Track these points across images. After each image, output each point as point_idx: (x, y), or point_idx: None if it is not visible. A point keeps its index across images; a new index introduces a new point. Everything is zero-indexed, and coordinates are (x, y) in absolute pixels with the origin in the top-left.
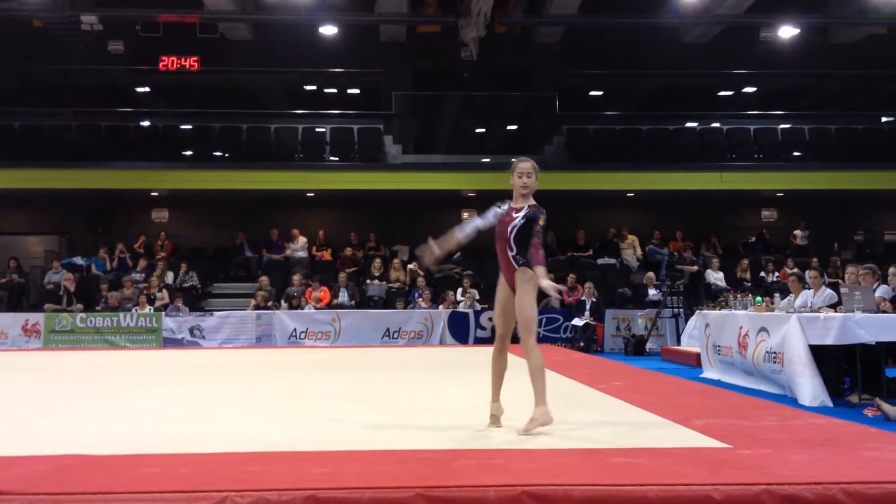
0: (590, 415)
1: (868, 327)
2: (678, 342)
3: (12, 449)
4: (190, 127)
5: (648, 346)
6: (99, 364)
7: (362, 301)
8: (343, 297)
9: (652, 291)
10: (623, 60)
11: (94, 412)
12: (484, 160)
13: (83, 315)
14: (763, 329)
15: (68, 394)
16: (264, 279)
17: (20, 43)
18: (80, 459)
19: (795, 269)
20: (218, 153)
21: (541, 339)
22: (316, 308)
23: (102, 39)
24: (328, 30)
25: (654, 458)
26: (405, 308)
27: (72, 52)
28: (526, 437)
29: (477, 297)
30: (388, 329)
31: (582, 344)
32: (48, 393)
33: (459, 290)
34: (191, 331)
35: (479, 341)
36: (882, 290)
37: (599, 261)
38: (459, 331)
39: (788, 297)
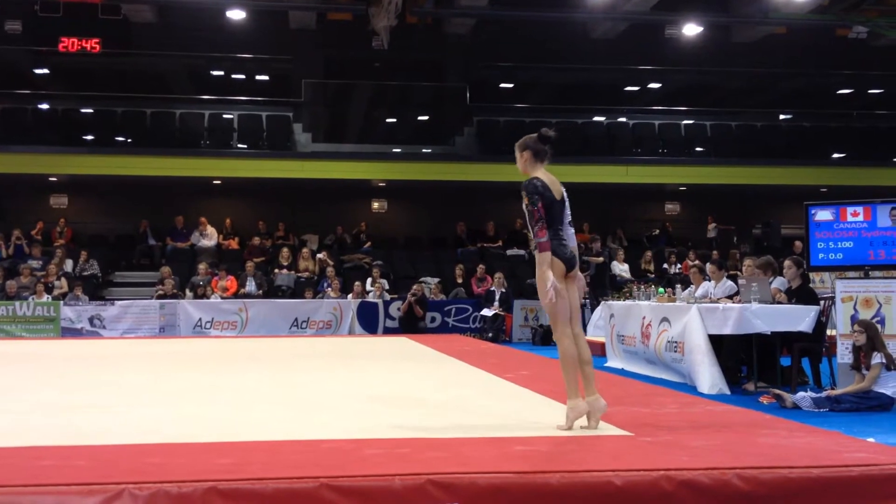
0: (496, 403)
1: (764, 318)
2: (584, 332)
3: None
4: (91, 111)
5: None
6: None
7: (270, 291)
8: (251, 286)
9: None
10: (533, 54)
11: None
12: (395, 150)
13: None
14: (665, 319)
15: None
16: (165, 269)
17: None
18: None
19: (697, 262)
20: (120, 138)
21: (450, 329)
22: (222, 297)
23: None
24: (235, 14)
25: (557, 446)
26: (314, 298)
27: None
28: (432, 427)
29: (386, 287)
30: (296, 319)
31: (490, 334)
32: None
33: (369, 280)
34: (91, 320)
35: (389, 331)
36: (778, 282)
37: (509, 252)
38: (369, 321)
39: (689, 288)
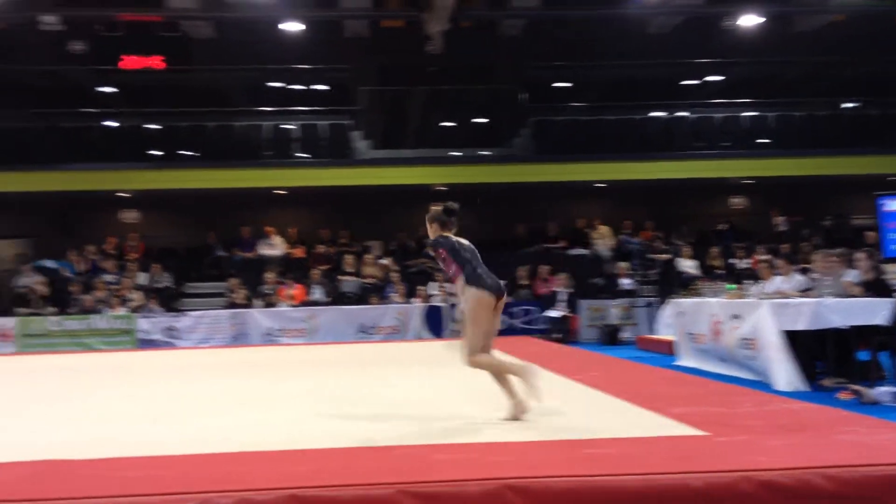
0: (566, 406)
1: (839, 312)
2: (653, 331)
3: None
4: (156, 126)
5: (623, 335)
6: (74, 367)
7: (336, 298)
8: (317, 294)
9: (625, 281)
10: (588, 51)
11: (70, 415)
12: (452, 154)
13: (56, 318)
14: (736, 316)
15: (44, 398)
16: (234, 280)
17: None
18: (59, 464)
19: (766, 256)
20: (185, 152)
21: (516, 331)
22: (290, 306)
23: (62, 39)
24: (291, 26)
25: (632, 448)
26: (380, 303)
27: (31, 52)
28: (503, 430)
29: (451, 290)
30: (363, 325)
31: (557, 335)
32: (22, 397)
33: (433, 284)
34: (165, 331)
35: (456, 334)
36: (851, 275)
37: (571, 251)
38: (435, 325)
39: (760, 284)
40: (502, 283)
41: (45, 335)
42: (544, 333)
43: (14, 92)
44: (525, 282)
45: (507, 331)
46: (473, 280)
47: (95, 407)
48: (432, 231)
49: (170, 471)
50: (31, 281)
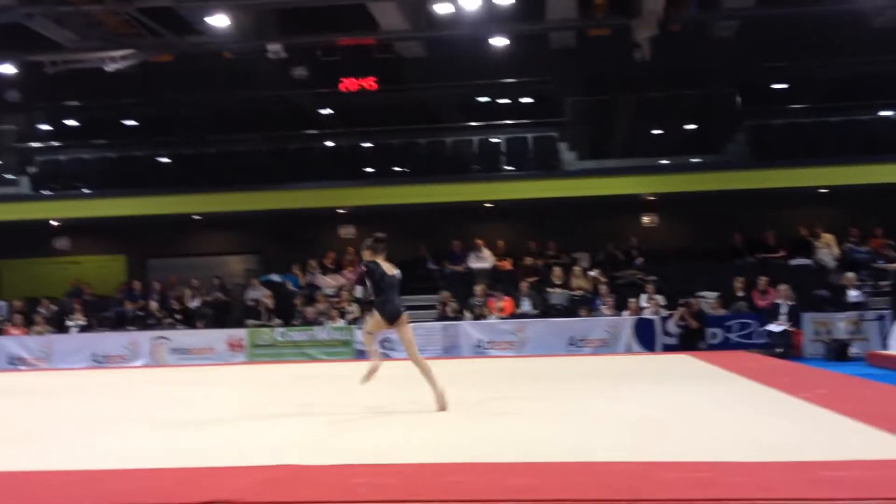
0: (793, 425)
1: None
2: (885, 346)
3: (229, 459)
4: (370, 145)
5: (852, 350)
6: (298, 376)
7: (545, 310)
8: (526, 306)
9: (853, 293)
10: (806, 50)
11: (301, 423)
12: (662, 162)
13: (282, 330)
14: None
15: (274, 405)
16: (446, 293)
17: (212, 74)
18: (291, 470)
19: None
20: (397, 168)
21: (732, 345)
22: (500, 318)
23: (286, 66)
24: (498, 41)
25: (868, 471)
26: (589, 316)
27: (259, 79)
28: (726, 448)
29: (662, 302)
30: (572, 337)
31: (778, 350)
32: (255, 404)
33: (644, 297)
34: (381, 343)
35: (667, 348)
36: None
37: (792, 262)
38: (646, 338)
39: None
40: (403, 310)
41: (272, 345)
42: (764, 348)
43: (245, 118)
44: (742, 294)
45: (722, 345)
46: (378, 306)
47: (316, 413)
48: (366, 255)
49: (394, 479)
50: (260, 294)
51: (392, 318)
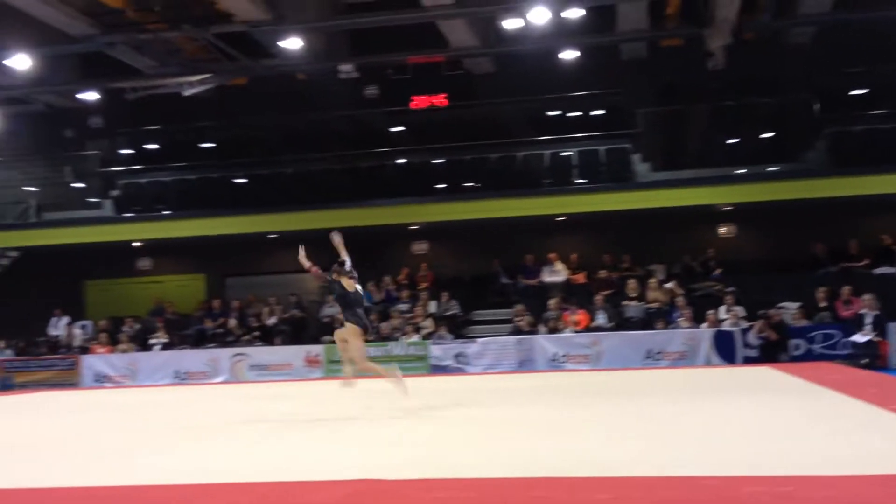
0: (882, 438)
1: None
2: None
3: (310, 474)
4: (441, 161)
5: None
6: (375, 391)
7: (620, 323)
8: (601, 319)
9: None
10: (885, 55)
11: (378, 437)
12: (738, 171)
13: None
14: None
15: (354, 420)
16: (520, 306)
17: (285, 96)
18: (372, 484)
19: None
20: (468, 184)
21: (815, 357)
22: (575, 331)
23: (358, 86)
24: (568, 54)
25: None
26: (666, 328)
27: (331, 99)
28: (812, 462)
29: (742, 314)
30: (649, 350)
31: (865, 361)
32: (333, 419)
33: (722, 308)
34: (456, 357)
35: (748, 361)
36: None
37: (877, 271)
38: (726, 350)
39: None
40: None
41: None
42: (848, 359)
43: (318, 137)
44: (824, 304)
45: (805, 356)
46: (353, 319)
47: (398, 429)
48: (343, 279)
49: (474, 492)
50: (335, 311)
51: (366, 328)
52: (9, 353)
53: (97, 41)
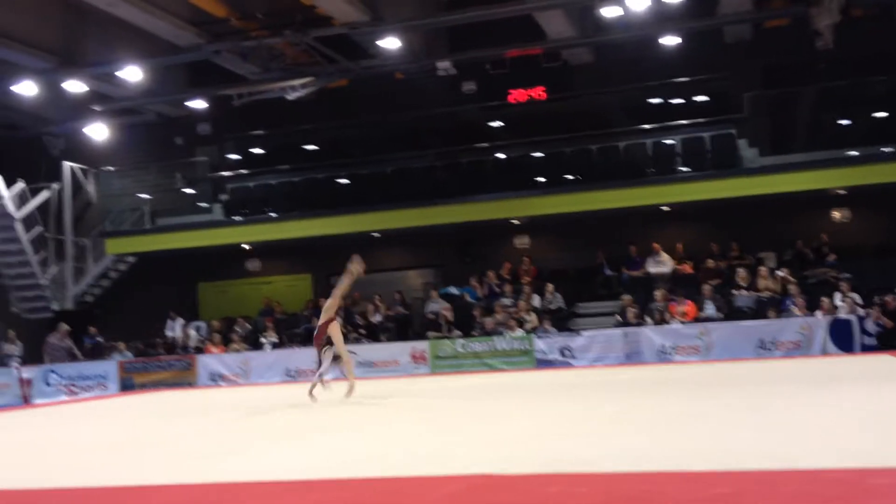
0: None
1: None
2: None
3: (426, 469)
4: (541, 154)
5: None
6: (482, 386)
7: (730, 313)
8: (709, 309)
9: None
10: None
11: (490, 433)
12: (850, 153)
13: (462, 341)
14: None
15: (462, 415)
16: (627, 298)
17: (384, 95)
18: (488, 479)
19: None
20: (569, 176)
21: None
22: (682, 323)
23: (456, 82)
24: (669, 40)
25: None
26: (778, 317)
27: (430, 97)
28: None
29: (858, 301)
30: (761, 340)
31: None
32: (443, 415)
33: (837, 296)
34: (561, 351)
35: (867, 349)
36: None
37: None
38: (843, 339)
39: None
40: None
41: (453, 357)
42: None
43: (418, 135)
44: None
45: None
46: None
47: (512, 424)
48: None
49: (587, 487)
50: (439, 307)
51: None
52: (129, 355)
53: (204, 50)
